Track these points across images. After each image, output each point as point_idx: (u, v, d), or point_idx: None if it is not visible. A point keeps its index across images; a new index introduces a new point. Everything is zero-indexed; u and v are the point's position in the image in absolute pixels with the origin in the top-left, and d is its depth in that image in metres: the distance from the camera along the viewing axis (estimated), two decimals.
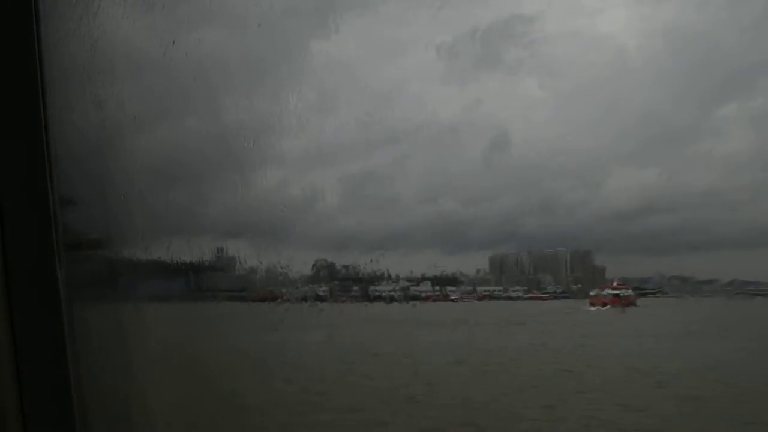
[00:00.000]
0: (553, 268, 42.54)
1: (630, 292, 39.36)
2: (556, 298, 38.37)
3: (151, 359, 2.34)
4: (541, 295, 37.72)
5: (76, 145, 1.99)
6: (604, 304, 38.32)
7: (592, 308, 38.14)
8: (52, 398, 1.79)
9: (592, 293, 39.42)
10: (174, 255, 2.43)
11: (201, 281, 2.74)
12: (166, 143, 2.60)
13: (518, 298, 36.32)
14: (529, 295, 37.28)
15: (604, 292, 39.18)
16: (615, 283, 39.45)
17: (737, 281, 39.02)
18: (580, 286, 40.53)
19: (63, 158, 1.82)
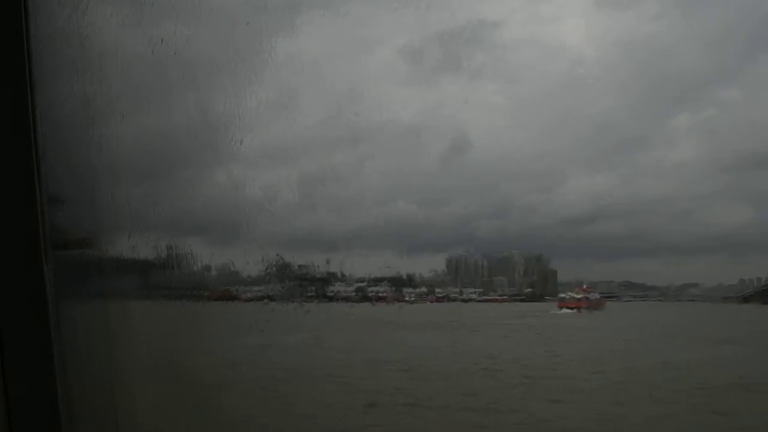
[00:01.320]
0: (507, 270, 43.03)
1: (598, 295, 40.27)
2: (512, 300, 38.95)
3: (136, 358, 2.33)
4: (498, 298, 38.23)
5: (65, 143, 1.97)
6: (572, 308, 39.08)
7: (561, 311, 38.82)
8: (38, 398, 1.77)
9: (562, 295, 40.12)
10: (127, 252, 2.40)
11: (151, 279, 2.72)
12: (144, 140, 2.59)
13: (474, 300, 36.73)
14: (485, 297, 37.73)
15: (572, 296, 39.94)
16: (583, 287, 40.27)
17: (684, 286, 40.25)
18: (531, 289, 41.21)
19: (51, 156, 1.80)
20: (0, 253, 1.75)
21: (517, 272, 42.71)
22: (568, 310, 38.73)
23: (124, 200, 2.26)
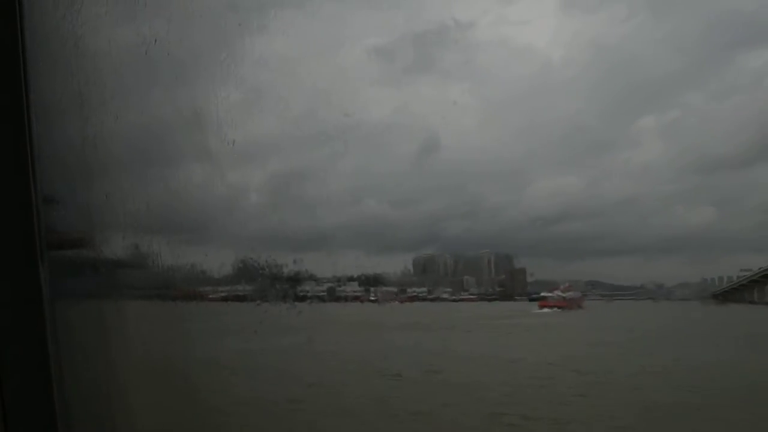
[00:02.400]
0: (475, 270, 43.48)
1: (578, 294, 40.72)
2: (483, 300, 39.24)
3: (132, 358, 2.32)
4: (469, 297, 38.48)
5: (60, 143, 1.97)
6: (553, 307, 39.45)
7: (543, 311, 39.11)
8: (34, 398, 1.77)
9: (543, 294, 40.49)
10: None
11: (117, 279, 2.69)
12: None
13: (446, 300, 36.91)
14: (456, 297, 37.94)
15: (554, 295, 40.31)
16: (564, 286, 40.69)
17: (648, 285, 41.02)
18: (500, 288, 41.63)
19: (46, 157, 1.80)
20: None
21: (485, 271, 43.09)
22: (549, 310, 39.06)
23: (118, 200, 2.26)
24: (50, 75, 1.92)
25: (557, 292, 40.46)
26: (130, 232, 2.30)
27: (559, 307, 39.56)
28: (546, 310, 39.09)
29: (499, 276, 42.86)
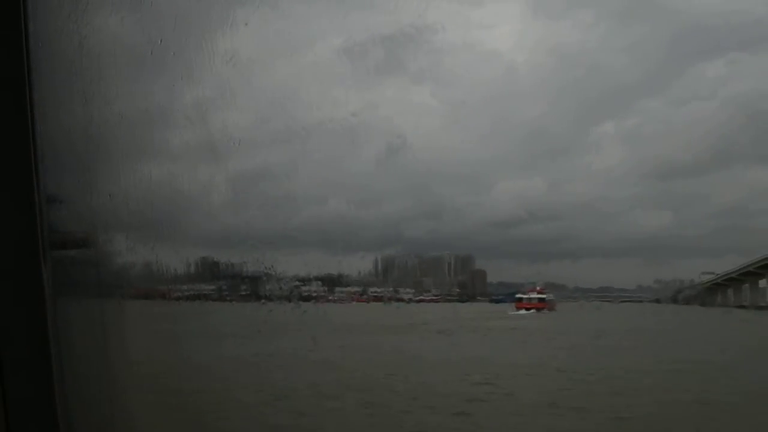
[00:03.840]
0: (436, 271, 43.62)
1: (552, 296, 41.11)
2: (446, 300, 39.43)
3: (133, 358, 2.32)
4: (434, 298, 38.65)
5: (63, 142, 1.96)
6: (529, 308, 39.78)
7: (520, 312, 39.32)
8: (36, 397, 1.78)
9: (519, 296, 40.72)
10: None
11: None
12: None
13: (411, 300, 36.99)
14: (419, 297, 38.07)
15: (530, 296, 40.60)
16: (538, 288, 41.05)
17: (606, 288, 41.77)
18: (460, 290, 41.89)
19: (50, 156, 1.80)
20: None
21: (447, 272, 43.28)
22: (526, 311, 39.36)
23: (122, 199, 2.25)
24: (54, 75, 1.92)
25: (532, 294, 40.86)
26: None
27: (536, 309, 39.96)
28: (523, 311, 39.44)
29: (459, 277, 42.97)
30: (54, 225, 1.82)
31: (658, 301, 41.94)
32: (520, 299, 40.02)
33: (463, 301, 39.38)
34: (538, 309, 39.13)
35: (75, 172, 2.05)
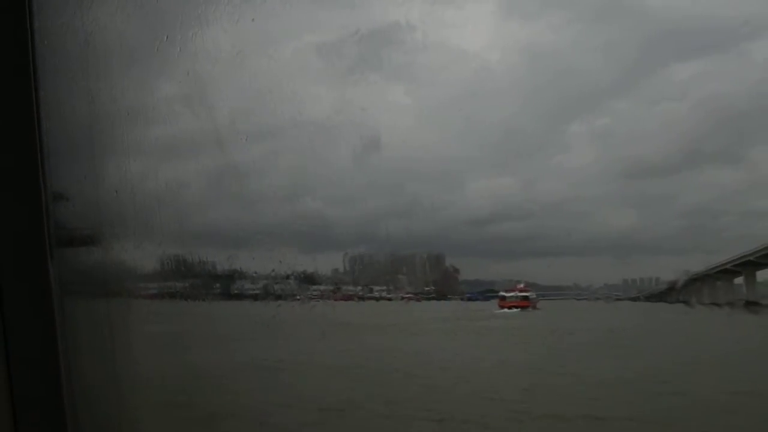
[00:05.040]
0: (408, 269, 43.65)
1: (534, 295, 41.20)
2: (420, 299, 39.46)
3: (141, 356, 2.31)
4: (408, 296, 38.64)
5: (69, 140, 1.96)
6: (512, 307, 39.83)
7: (504, 311, 39.31)
8: (43, 395, 1.77)
9: (502, 294, 40.72)
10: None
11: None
12: None
13: (383, 298, 36.96)
14: (393, 295, 38.06)
15: (513, 295, 40.65)
16: (521, 286, 41.10)
17: (577, 286, 42.23)
18: (432, 288, 41.97)
19: (55, 153, 1.79)
20: (5, 250, 1.73)
21: (419, 271, 43.37)
22: (509, 310, 39.39)
23: (128, 197, 2.24)
24: (60, 72, 1.91)
25: (515, 292, 41.00)
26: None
27: (520, 307, 40.10)
28: (506, 310, 39.55)
29: (432, 275, 43.04)
30: (60, 222, 1.81)
31: (635, 299, 42.43)
32: (504, 297, 40.05)
33: (438, 299, 39.44)
34: (522, 308, 39.26)
35: (81, 169, 2.04)
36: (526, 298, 40.17)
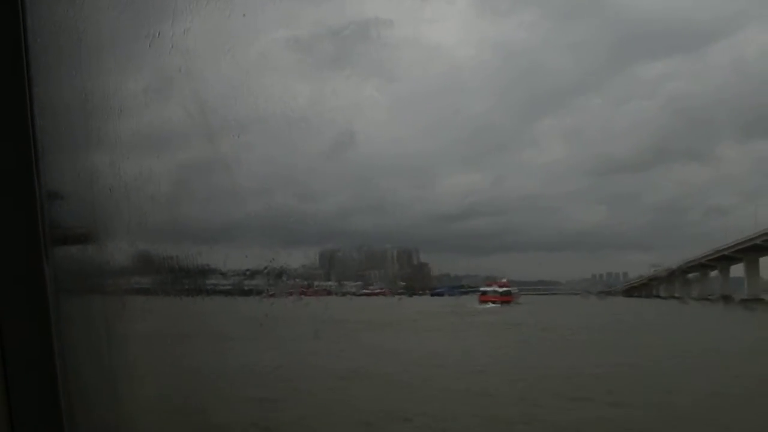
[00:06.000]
0: (381, 264, 43.79)
1: (516, 290, 41.40)
2: (399, 294, 39.47)
3: (138, 355, 2.30)
4: (381, 291, 38.63)
5: (63, 138, 1.94)
6: (493, 302, 39.93)
7: (485, 305, 39.34)
8: (39, 394, 1.77)
9: (483, 289, 40.78)
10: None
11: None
12: None
13: (354, 294, 36.92)
14: (365, 291, 38.07)
15: (494, 289, 40.74)
16: (503, 281, 41.25)
17: (545, 281, 42.77)
18: (405, 283, 42.19)
19: (49, 151, 1.79)
20: (0, 249, 1.72)
21: (390, 266, 43.51)
22: (492, 305, 39.46)
23: (123, 195, 2.23)
24: (53, 69, 1.90)
25: (496, 287, 41.21)
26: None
27: (501, 302, 40.32)
28: (489, 305, 39.73)
29: (404, 270, 43.31)
30: (55, 221, 1.81)
31: (607, 293, 42.91)
32: (485, 293, 40.22)
33: (409, 295, 39.49)
34: (504, 302, 39.42)
35: (76, 167, 2.03)
36: (508, 293, 40.49)
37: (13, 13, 1.73)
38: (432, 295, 43.42)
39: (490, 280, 42.28)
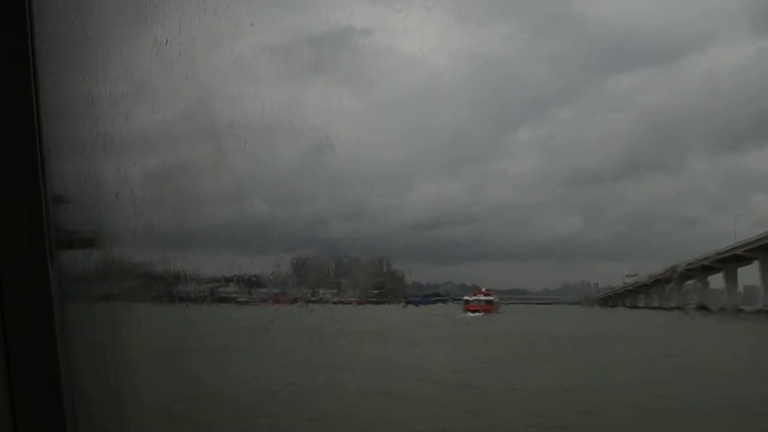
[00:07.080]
0: (354, 272, 43.54)
1: (498, 299, 41.46)
2: (368, 303, 39.23)
3: (141, 358, 2.30)
4: (355, 300, 38.40)
5: (69, 143, 1.95)
6: (476, 311, 39.92)
7: (470, 315, 39.25)
8: (43, 396, 1.77)
9: (466, 298, 40.73)
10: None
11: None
12: None
13: (330, 302, 36.59)
14: (339, 299, 37.79)
15: (477, 299, 40.73)
16: (484, 290, 41.24)
17: (516, 290, 42.98)
18: (378, 291, 41.98)
19: (56, 156, 1.80)
20: (5, 252, 1.73)
21: (364, 274, 43.31)
22: (475, 314, 39.44)
23: (128, 200, 2.23)
24: (60, 75, 1.91)
25: (479, 296, 41.24)
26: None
27: (484, 311, 40.35)
28: (474, 314, 39.70)
29: (377, 279, 43.11)
30: (60, 225, 1.82)
31: (580, 303, 43.06)
32: (467, 302, 40.23)
33: (381, 303, 39.29)
34: (486, 311, 39.49)
35: (82, 172, 2.04)
36: (489, 302, 40.59)
37: (21, 19, 1.74)
38: (407, 303, 43.03)
39: (454, 289, 42.24)
